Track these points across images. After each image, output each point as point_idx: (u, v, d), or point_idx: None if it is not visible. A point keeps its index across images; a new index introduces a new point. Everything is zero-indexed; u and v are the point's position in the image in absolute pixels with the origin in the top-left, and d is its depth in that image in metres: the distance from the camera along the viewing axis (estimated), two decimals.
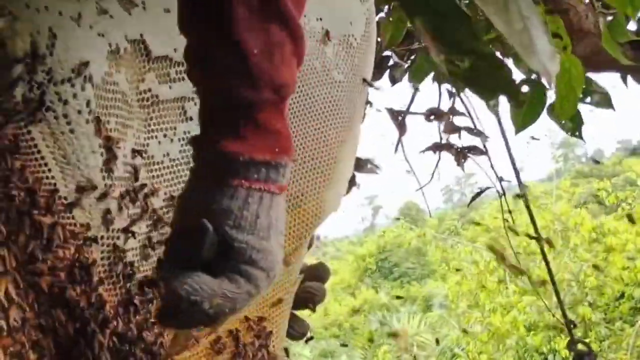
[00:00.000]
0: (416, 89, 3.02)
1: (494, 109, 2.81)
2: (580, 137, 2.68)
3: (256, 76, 1.10)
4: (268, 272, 1.12)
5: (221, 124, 1.12)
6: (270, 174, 1.12)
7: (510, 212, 3.40)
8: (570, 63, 1.97)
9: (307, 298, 1.97)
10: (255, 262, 1.11)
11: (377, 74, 2.92)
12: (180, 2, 1.17)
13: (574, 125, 2.62)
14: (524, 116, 2.47)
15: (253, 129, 1.11)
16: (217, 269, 1.09)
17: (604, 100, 2.65)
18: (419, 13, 1.37)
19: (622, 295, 13.36)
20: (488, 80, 1.41)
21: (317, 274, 2.04)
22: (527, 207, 3.02)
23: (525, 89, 2.36)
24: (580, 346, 2.86)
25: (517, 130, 2.56)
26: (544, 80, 2.03)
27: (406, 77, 3.03)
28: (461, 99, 2.98)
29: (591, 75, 2.71)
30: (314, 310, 1.97)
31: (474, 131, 2.87)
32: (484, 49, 1.40)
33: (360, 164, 2.79)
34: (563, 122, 2.61)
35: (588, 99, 2.63)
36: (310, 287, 2.00)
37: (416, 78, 2.95)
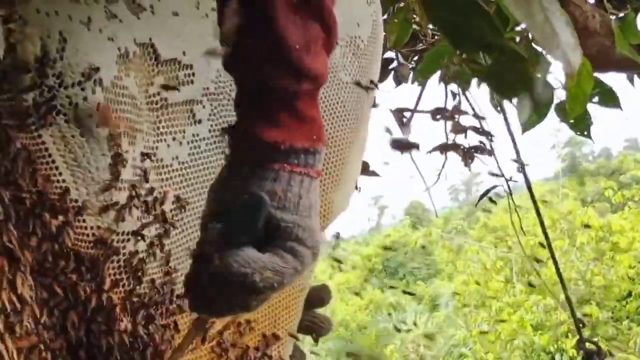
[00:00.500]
0: (422, 87, 3.02)
1: (501, 109, 2.81)
2: (589, 136, 2.68)
3: (297, 68, 1.13)
4: (313, 249, 1.17)
5: (260, 112, 1.15)
6: (309, 159, 1.17)
7: (517, 211, 3.40)
8: (582, 63, 1.97)
9: (313, 328, 1.97)
10: (301, 240, 1.15)
11: (383, 75, 2.93)
12: None
13: (582, 124, 2.62)
14: (531, 116, 2.47)
15: (292, 118, 1.15)
16: (265, 247, 1.14)
17: (611, 99, 2.65)
18: (441, 10, 1.37)
19: (630, 294, 13.33)
20: (510, 76, 1.42)
21: (319, 295, 2.04)
22: (536, 207, 3.02)
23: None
24: (588, 345, 2.86)
25: (524, 130, 2.56)
26: (550, 79, 2.03)
27: (411, 77, 3.04)
28: (467, 99, 2.98)
29: (598, 74, 2.71)
30: (316, 341, 1.97)
31: (480, 131, 2.87)
32: (507, 44, 1.41)
33: (363, 166, 2.80)
34: (572, 121, 2.62)
35: (595, 98, 2.63)
36: (317, 318, 2.00)
37: (422, 76, 2.95)
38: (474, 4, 1.32)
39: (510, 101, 2.50)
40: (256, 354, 1.78)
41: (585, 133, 2.67)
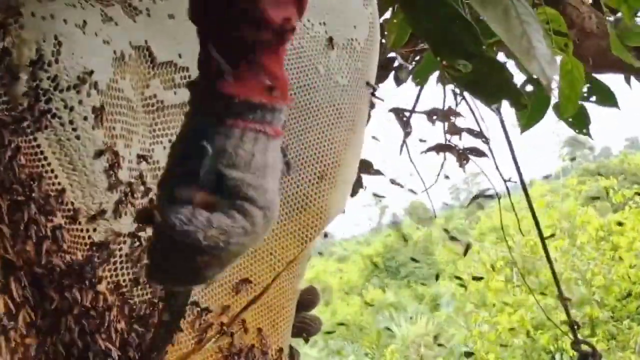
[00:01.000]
0: (421, 87, 3.03)
1: (497, 109, 2.82)
2: (588, 134, 2.70)
3: (258, 17, 1.09)
4: (265, 210, 1.11)
5: (219, 66, 1.11)
6: (266, 116, 1.12)
7: (515, 211, 3.40)
8: (572, 64, 1.99)
9: (303, 328, 1.97)
10: (251, 198, 1.10)
11: (382, 75, 2.93)
12: None
13: (581, 123, 2.64)
14: (529, 115, 2.48)
15: (251, 71, 1.11)
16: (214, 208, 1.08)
17: (609, 99, 2.66)
18: (423, 18, 1.38)
19: (630, 294, 13.32)
20: (490, 84, 1.43)
21: (308, 297, 2.04)
22: (531, 207, 3.02)
23: (529, 88, 2.37)
24: (584, 347, 2.86)
25: (523, 130, 2.57)
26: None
27: (411, 78, 3.04)
28: (465, 100, 2.98)
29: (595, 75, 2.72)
30: (307, 340, 1.97)
31: (475, 133, 2.88)
32: (486, 53, 1.42)
33: (366, 166, 2.80)
34: (571, 120, 2.63)
35: (593, 98, 2.64)
36: (307, 318, 2.00)
37: (420, 77, 2.96)
38: (456, 14, 1.32)
39: (490, 107, 2.51)
40: (260, 353, 1.79)
41: (585, 131, 2.69)
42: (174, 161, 1.15)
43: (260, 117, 1.11)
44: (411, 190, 3.50)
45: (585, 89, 2.63)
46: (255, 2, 1.08)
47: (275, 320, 1.83)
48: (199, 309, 1.62)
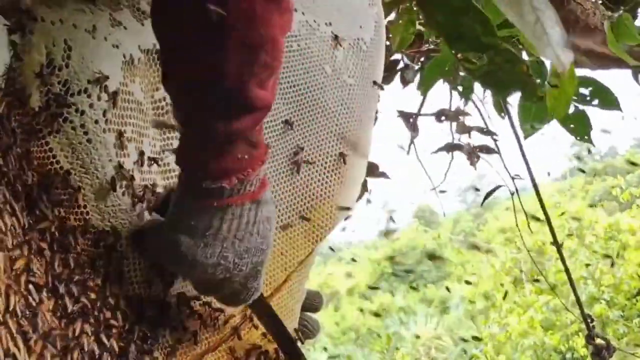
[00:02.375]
0: (424, 95, 3.04)
1: (505, 109, 2.82)
2: (590, 141, 2.69)
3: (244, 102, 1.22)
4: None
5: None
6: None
7: (524, 211, 3.41)
8: None
9: (303, 332, 1.97)
10: None
11: (388, 77, 2.94)
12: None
13: (583, 129, 2.64)
14: (532, 120, 2.49)
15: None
16: None
17: (610, 102, 2.66)
18: (436, 11, 1.39)
19: (639, 292, 13.31)
20: (505, 75, 1.44)
21: (313, 302, 2.04)
22: (543, 207, 3.03)
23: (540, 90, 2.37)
24: (598, 341, 2.86)
25: (527, 136, 2.57)
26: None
27: (417, 79, 3.05)
28: (472, 100, 2.99)
29: (602, 72, 2.72)
30: (302, 342, 1.98)
31: (485, 131, 2.89)
32: (500, 44, 1.42)
33: (371, 169, 2.80)
34: (572, 126, 2.63)
35: (595, 101, 2.64)
36: (308, 322, 2.00)
37: (424, 86, 2.97)
38: (469, 5, 1.33)
39: (505, 100, 2.52)
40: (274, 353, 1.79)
41: (586, 138, 2.68)
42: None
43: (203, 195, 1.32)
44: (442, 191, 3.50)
45: (587, 92, 2.64)
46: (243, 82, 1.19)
47: (285, 322, 1.84)
48: (211, 308, 1.63)
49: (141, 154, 1.51)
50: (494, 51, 1.38)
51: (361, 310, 21.40)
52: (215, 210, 1.29)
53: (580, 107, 2.60)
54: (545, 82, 2.22)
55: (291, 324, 1.86)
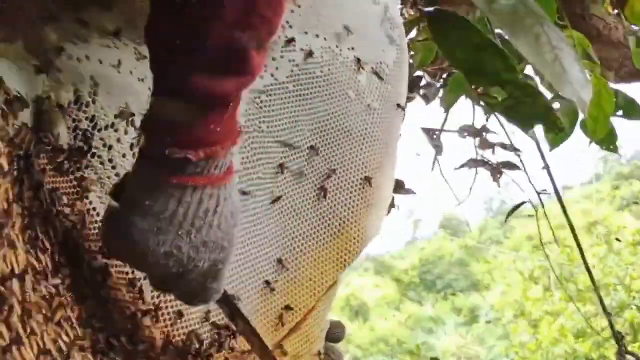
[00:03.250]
0: (447, 112, 3.04)
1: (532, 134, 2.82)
2: (616, 151, 2.68)
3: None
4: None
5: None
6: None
7: (549, 221, 3.40)
8: (600, 85, 1.98)
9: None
10: None
11: (411, 94, 2.95)
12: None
13: (609, 140, 2.63)
14: (556, 135, 2.48)
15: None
16: None
17: (635, 112, 2.65)
18: (456, 48, 1.40)
19: None
20: (525, 110, 1.44)
21: (335, 332, 2.04)
22: (567, 217, 3.02)
23: (556, 105, 2.37)
24: (629, 357, 2.85)
25: (552, 147, 2.57)
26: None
27: (439, 103, 3.06)
28: (495, 115, 2.99)
29: (624, 84, 2.71)
30: None
31: (507, 147, 2.89)
32: (520, 79, 1.43)
33: (398, 186, 2.81)
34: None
35: (620, 112, 2.63)
36: (331, 352, 2.00)
37: (447, 102, 2.97)
38: (487, 42, 1.34)
39: (527, 133, 2.52)
40: None
41: (612, 147, 2.67)
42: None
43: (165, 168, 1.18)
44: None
45: None
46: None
47: (311, 350, 1.84)
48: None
49: None
50: (513, 86, 1.38)
51: (390, 320, 21.36)
52: (173, 190, 1.16)
53: None
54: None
55: (316, 350, 1.87)
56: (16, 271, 1.07)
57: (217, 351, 1.61)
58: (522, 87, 1.41)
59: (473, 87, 1.55)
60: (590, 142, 2.62)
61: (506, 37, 1.16)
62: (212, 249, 1.23)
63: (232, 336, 1.63)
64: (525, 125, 1.79)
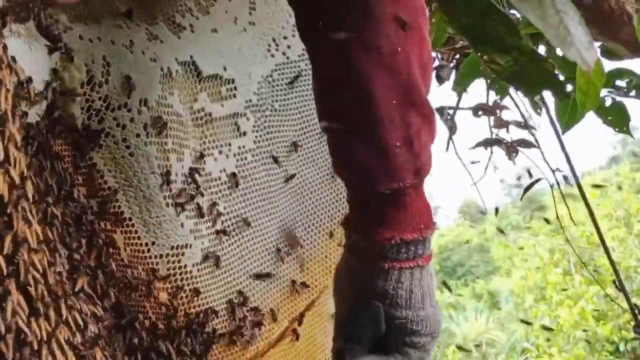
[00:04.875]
0: (461, 94, 3.02)
1: (539, 105, 2.81)
2: (628, 132, 2.66)
3: (397, 167, 1.14)
4: (432, 334, 1.19)
5: (369, 212, 1.18)
6: (418, 249, 1.17)
7: (566, 204, 3.38)
8: None
9: None
10: (417, 332, 1.17)
11: None
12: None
13: (621, 121, 2.60)
14: (569, 116, 2.47)
15: (399, 213, 1.16)
16: (385, 346, 1.17)
17: None
18: (460, 15, 1.40)
19: None
20: (531, 76, 1.44)
21: None
22: (584, 199, 3.01)
23: (569, 87, 2.36)
24: None
25: (564, 131, 2.55)
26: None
27: (453, 77, 3.04)
28: (509, 94, 2.98)
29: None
30: None
31: (522, 125, 2.88)
32: (525, 45, 1.43)
33: None
34: (610, 118, 2.60)
35: (632, 93, 2.61)
36: None
37: (460, 86, 2.95)
38: (492, 9, 1.34)
39: (533, 99, 2.50)
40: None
41: (625, 129, 2.65)
42: (342, 317, 1.24)
43: (413, 253, 1.17)
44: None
45: (623, 84, 2.61)
46: (396, 152, 1.14)
47: (326, 328, 1.85)
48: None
49: (182, 164, 1.54)
50: (518, 52, 1.38)
51: None
52: (408, 272, 1.18)
53: (617, 98, 2.57)
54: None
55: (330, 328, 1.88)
56: (32, 245, 1.08)
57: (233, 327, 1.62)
58: (527, 53, 1.40)
59: (479, 54, 1.55)
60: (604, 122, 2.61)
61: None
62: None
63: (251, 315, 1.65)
64: (531, 91, 1.78)
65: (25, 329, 1.04)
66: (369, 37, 1.11)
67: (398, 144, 1.13)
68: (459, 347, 14.97)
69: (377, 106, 1.12)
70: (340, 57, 1.13)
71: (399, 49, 1.11)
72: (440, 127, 3.10)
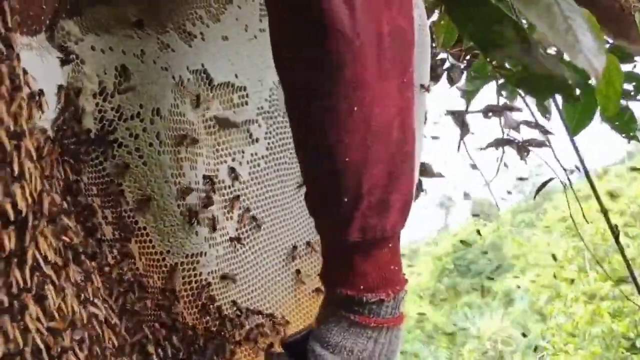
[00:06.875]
0: (469, 101, 3.01)
1: (547, 110, 2.81)
2: (636, 138, 2.66)
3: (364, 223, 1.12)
4: None
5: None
6: (364, 310, 1.17)
7: (578, 200, 3.38)
8: (609, 61, 1.96)
9: None
10: None
11: (435, 76, 2.94)
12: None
13: (629, 127, 2.60)
14: (578, 119, 2.46)
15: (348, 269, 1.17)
16: None
17: None
18: (468, 21, 1.39)
19: None
20: (540, 81, 1.43)
21: None
22: (597, 196, 3.00)
23: (577, 92, 2.36)
24: None
25: (573, 134, 2.55)
26: (592, 82, 2.03)
27: (463, 78, 3.04)
28: (520, 95, 2.98)
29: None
30: None
31: (532, 124, 2.87)
32: (534, 50, 1.42)
33: (426, 169, 2.81)
34: (617, 124, 2.59)
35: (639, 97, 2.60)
36: None
37: (469, 94, 2.94)
38: (501, 15, 1.33)
39: (542, 104, 2.50)
40: None
41: (632, 135, 2.64)
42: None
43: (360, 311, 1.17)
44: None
45: (631, 88, 2.61)
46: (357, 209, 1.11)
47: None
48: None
49: (196, 173, 1.54)
50: (527, 57, 1.37)
51: (425, 307, 21.33)
52: (371, 332, 1.18)
53: (624, 102, 2.57)
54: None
55: None
56: (49, 258, 1.08)
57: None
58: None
59: (488, 60, 1.55)
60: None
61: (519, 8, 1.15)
62: None
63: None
64: (541, 96, 1.77)
65: (41, 344, 1.04)
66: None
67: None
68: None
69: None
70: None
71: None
72: (453, 128, 3.10)
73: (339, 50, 1.00)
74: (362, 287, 1.16)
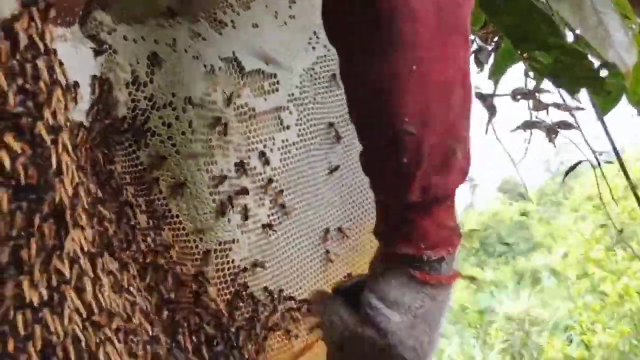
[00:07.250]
0: (496, 83, 2.99)
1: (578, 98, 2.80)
2: None
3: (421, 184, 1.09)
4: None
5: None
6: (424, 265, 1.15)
7: (606, 180, 3.36)
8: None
9: None
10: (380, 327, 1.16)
11: None
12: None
13: None
14: (605, 101, 2.45)
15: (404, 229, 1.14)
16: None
17: None
18: (503, 15, 1.39)
19: None
20: (571, 73, 1.43)
21: None
22: (626, 175, 2.99)
23: (604, 73, 2.34)
24: None
25: (602, 114, 2.54)
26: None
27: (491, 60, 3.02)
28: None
29: None
30: None
31: (561, 107, 2.85)
32: (566, 43, 1.42)
33: None
34: None
35: None
36: None
37: (496, 75, 2.92)
38: (533, 8, 1.33)
39: (573, 96, 2.48)
40: None
41: None
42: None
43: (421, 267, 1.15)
44: None
45: None
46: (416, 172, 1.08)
47: None
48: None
49: (228, 160, 1.55)
50: (559, 50, 1.37)
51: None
52: (428, 289, 1.16)
53: None
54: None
55: None
56: (86, 250, 1.10)
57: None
58: (568, 51, 1.39)
59: (519, 52, 1.54)
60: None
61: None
62: (434, 346, 1.22)
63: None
64: (571, 89, 1.76)
65: (81, 335, 1.06)
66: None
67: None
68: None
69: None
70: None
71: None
72: (480, 110, 3.09)
73: (394, 6, 0.99)
74: (422, 245, 1.13)
